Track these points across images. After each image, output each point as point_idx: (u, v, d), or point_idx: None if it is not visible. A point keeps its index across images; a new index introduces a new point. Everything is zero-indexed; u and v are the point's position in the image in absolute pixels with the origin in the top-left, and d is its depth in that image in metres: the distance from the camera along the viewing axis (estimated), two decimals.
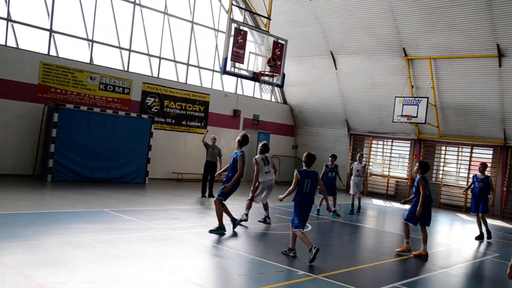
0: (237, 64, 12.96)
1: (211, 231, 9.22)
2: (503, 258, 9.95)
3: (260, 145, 11.11)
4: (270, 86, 14.35)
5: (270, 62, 13.44)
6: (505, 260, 9.53)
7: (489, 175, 12.54)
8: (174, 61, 19.53)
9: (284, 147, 24.35)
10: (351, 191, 14.86)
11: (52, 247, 7.02)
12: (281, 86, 15.09)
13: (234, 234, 9.51)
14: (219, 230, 9.19)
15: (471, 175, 19.88)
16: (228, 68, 12.81)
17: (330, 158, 13.98)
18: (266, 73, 13.44)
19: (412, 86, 19.56)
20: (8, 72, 14.61)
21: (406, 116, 18.66)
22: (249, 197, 10.79)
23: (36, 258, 6.40)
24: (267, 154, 10.96)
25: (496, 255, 10.45)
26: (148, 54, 18.58)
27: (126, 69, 17.73)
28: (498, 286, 7.84)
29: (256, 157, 10.81)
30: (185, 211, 11.77)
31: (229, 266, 7.29)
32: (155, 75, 18.75)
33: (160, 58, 18.92)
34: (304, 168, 8.04)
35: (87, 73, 16.24)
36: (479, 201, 12.04)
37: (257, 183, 10.63)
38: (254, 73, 13.52)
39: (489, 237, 12.10)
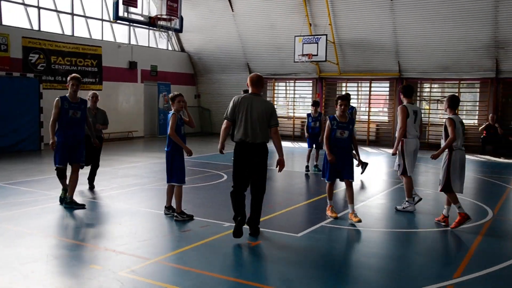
0: (130, 9, 11.84)
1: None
2: None
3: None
4: (168, 31, 13.41)
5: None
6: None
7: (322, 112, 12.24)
8: (56, 10, 17.56)
9: (186, 97, 23.36)
10: None
11: None
12: (179, 31, 14.21)
13: (151, 196, 8.92)
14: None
15: (372, 110, 20.77)
16: (120, 14, 11.66)
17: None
18: (163, 17, 12.48)
19: (310, 24, 19.52)
20: None
21: (307, 55, 18.67)
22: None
23: None
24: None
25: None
26: (23, 4, 16.47)
27: None
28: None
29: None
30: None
31: (151, 229, 6.76)
32: (36, 28, 16.78)
33: (39, 8, 16.87)
34: None
35: None
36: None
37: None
38: (150, 17, 12.50)
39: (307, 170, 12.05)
